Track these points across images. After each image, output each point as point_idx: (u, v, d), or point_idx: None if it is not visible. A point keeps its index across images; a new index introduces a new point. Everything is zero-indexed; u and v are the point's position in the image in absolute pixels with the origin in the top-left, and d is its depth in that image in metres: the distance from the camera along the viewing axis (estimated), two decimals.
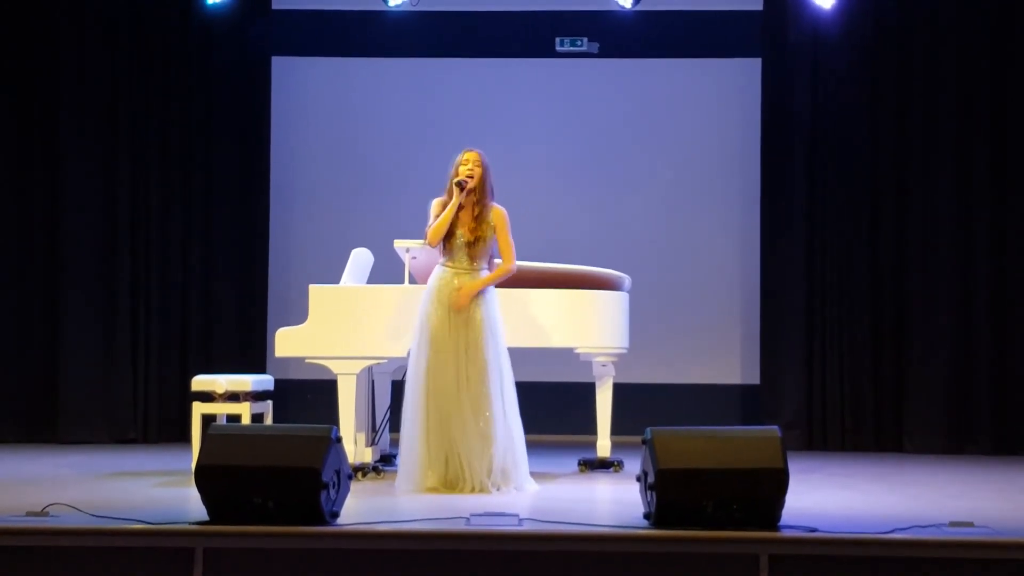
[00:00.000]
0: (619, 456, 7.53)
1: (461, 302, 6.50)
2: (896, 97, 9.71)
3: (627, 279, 7.70)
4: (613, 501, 6.37)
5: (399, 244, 7.37)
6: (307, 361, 7.27)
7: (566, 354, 7.47)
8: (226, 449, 4.99)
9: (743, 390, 10.16)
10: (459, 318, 6.50)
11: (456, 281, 6.55)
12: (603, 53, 10.39)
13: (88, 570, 4.66)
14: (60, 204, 9.81)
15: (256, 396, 7.40)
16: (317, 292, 7.26)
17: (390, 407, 7.84)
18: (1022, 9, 9.59)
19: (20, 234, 9.84)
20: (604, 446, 7.51)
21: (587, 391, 7.64)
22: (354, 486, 5.59)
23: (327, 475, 4.89)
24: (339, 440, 5.08)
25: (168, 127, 10.02)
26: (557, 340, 7.31)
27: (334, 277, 7.55)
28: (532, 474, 6.72)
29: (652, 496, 4.91)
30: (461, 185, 6.52)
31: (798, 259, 9.77)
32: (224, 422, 7.19)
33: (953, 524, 4.90)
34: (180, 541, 4.66)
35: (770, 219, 9.90)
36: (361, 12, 10.34)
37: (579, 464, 7.59)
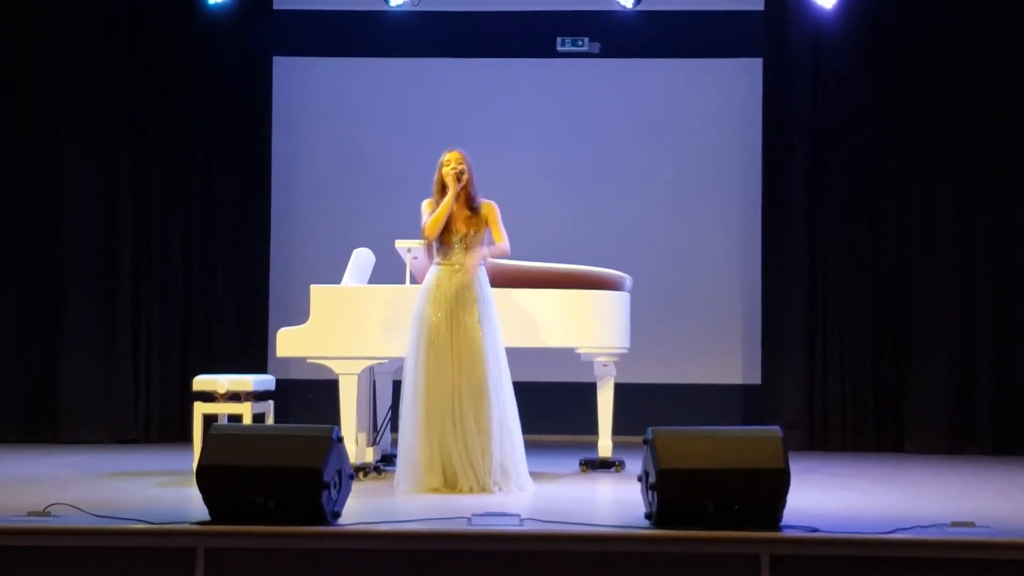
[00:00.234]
0: (620, 456, 7.53)
1: (469, 273, 6.52)
2: (896, 97, 9.72)
3: (628, 279, 7.70)
4: (614, 501, 6.37)
5: (400, 244, 7.37)
6: (308, 361, 7.28)
7: (567, 354, 7.47)
8: (227, 449, 4.99)
9: (744, 390, 10.17)
10: (456, 318, 6.51)
11: (453, 279, 6.56)
12: (604, 53, 10.39)
13: (89, 570, 4.66)
14: (61, 204, 9.81)
15: (257, 396, 7.40)
16: (318, 292, 7.27)
17: (391, 407, 7.84)
18: (1022, 9, 9.60)
19: (21, 234, 9.84)
20: (605, 446, 7.51)
21: (588, 391, 7.64)
22: (355, 486, 5.60)
23: (328, 475, 4.89)
24: (340, 440, 5.08)
25: (169, 127, 10.03)
26: (558, 340, 7.32)
27: (335, 277, 7.55)
28: (533, 474, 6.72)
29: (653, 496, 4.91)
30: (459, 174, 6.57)
31: (799, 259, 9.77)
32: (225, 422, 7.20)
33: (954, 524, 4.90)
34: (181, 541, 4.67)
35: (771, 219, 9.90)
36: (362, 12, 10.34)
37: (580, 464, 7.59)
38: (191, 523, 4.83)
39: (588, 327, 7.36)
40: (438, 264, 6.64)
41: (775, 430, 5.05)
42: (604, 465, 7.48)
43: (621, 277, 7.66)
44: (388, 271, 7.90)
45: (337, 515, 4.99)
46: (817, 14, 9.74)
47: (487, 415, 6.44)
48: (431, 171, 6.69)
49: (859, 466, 8.29)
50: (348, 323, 7.19)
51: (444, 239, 6.62)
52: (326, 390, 7.46)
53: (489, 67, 10.53)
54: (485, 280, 6.68)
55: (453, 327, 6.51)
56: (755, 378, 10.01)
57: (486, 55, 10.50)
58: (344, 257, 7.68)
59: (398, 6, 10.05)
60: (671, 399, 10.01)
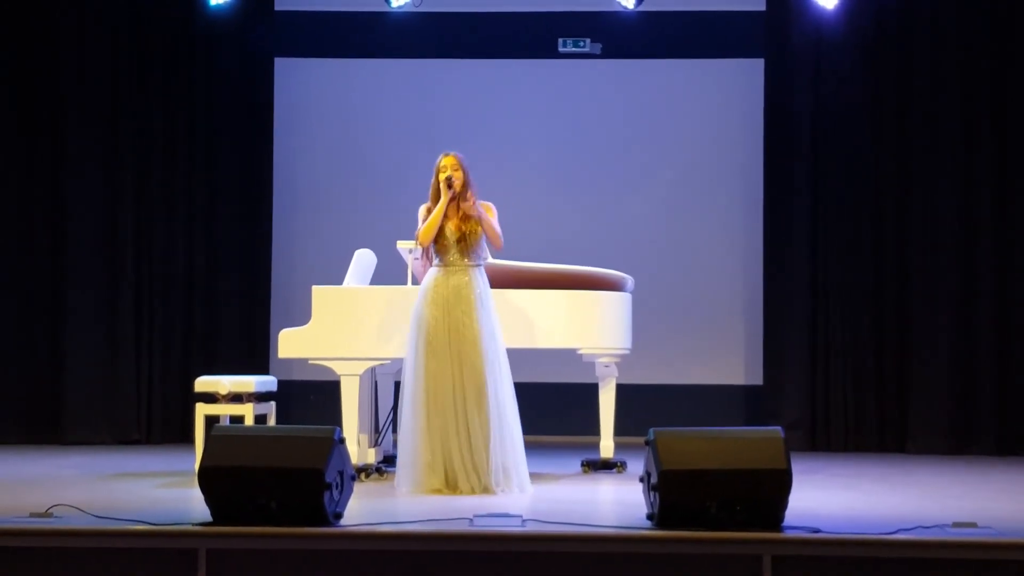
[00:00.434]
0: (622, 457, 7.53)
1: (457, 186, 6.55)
2: (897, 97, 9.72)
3: (630, 280, 7.71)
4: (616, 502, 6.37)
5: (402, 245, 7.37)
6: (310, 362, 7.28)
7: (569, 355, 7.47)
8: (229, 450, 4.99)
9: (746, 391, 10.16)
10: (454, 318, 6.51)
11: (451, 280, 6.56)
12: (605, 54, 10.39)
13: (91, 571, 4.66)
14: (62, 205, 9.81)
15: (259, 397, 7.41)
16: (320, 293, 7.27)
17: (393, 408, 7.84)
18: (1022, 9, 9.59)
19: (22, 235, 9.84)
20: (607, 447, 7.51)
21: (590, 392, 7.64)
22: (357, 487, 5.60)
23: (330, 476, 4.89)
24: (342, 441, 5.08)
25: (170, 128, 10.03)
26: (560, 341, 7.32)
27: (337, 278, 7.55)
28: (535, 475, 6.73)
29: (655, 497, 4.91)
30: (450, 182, 6.57)
31: (801, 259, 9.77)
32: (227, 423, 7.21)
33: (956, 525, 4.89)
34: (183, 542, 4.67)
35: (772, 219, 9.90)
36: (364, 13, 10.34)
37: (582, 465, 7.59)
38: (193, 524, 4.83)
39: (590, 328, 7.36)
40: (436, 266, 6.65)
41: (777, 431, 5.05)
42: (606, 466, 7.48)
43: (623, 278, 7.66)
44: (390, 272, 7.90)
45: (339, 516, 4.99)
46: (818, 14, 9.74)
47: (487, 416, 6.43)
48: (432, 173, 6.69)
49: (861, 466, 8.28)
50: (350, 324, 7.19)
51: (440, 242, 6.63)
52: (328, 391, 7.46)
53: (490, 68, 10.53)
54: (483, 280, 6.67)
55: (451, 328, 6.51)
56: (757, 378, 10.01)
57: (487, 56, 10.50)
58: (346, 258, 7.68)
59: (399, 7, 10.06)
60: (673, 400, 10.01)
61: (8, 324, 9.79)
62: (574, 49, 10.41)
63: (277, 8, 10.32)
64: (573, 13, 10.37)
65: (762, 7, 9.99)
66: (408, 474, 6.44)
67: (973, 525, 4.88)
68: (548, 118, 10.46)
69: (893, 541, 4.62)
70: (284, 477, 4.86)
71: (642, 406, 9.22)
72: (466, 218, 6.62)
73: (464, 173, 6.64)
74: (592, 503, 6.33)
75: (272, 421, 7.55)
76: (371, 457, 7.41)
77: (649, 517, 5.02)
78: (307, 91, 10.48)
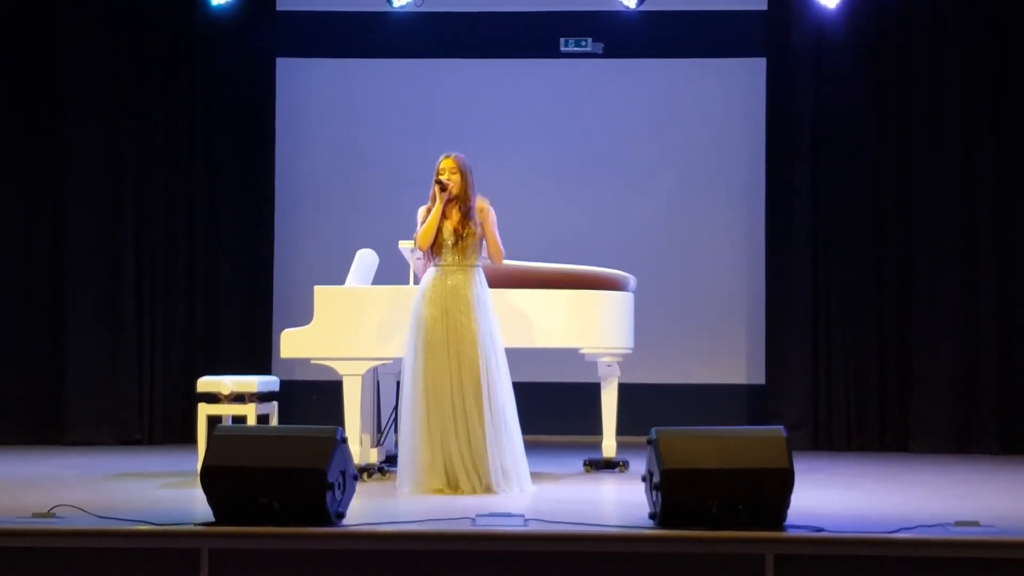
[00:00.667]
0: (624, 456, 7.53)
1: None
2: (898, 97, 9.71)
3: (632, 279, 7.70)
4: (618, 501, 6.37)
5: (404, 245, 7.37)
6: (312, 362, 7.28)
7: (571, 354, 7.46)
8: (231, 450, 4.99)
9: (748, 390, 10.16)
10: (452, 318, 6.51)
11: (448, 281, 6.56)
12: (607, 53, 10.39)
13: (93, 571, 4.66)
14: (63, 205, 9.81)
15: (261, 397, 7.41)
16: (322, 293, 7.27)
17: (395, 408, 7.84)
18: (1022, 9, 9.59)
19: (23, 235, 9.84)
20: (609, 446, 7.51)
21: (592, 391, 7.63)
22: (359, 487, 5.60)
23: (332, 476, 4.89)
24: (344, 441, 5.08)
25: (171, 128, 10.03)
26: (562, 340, 7.31)
27: (339, 278, 7.55)
28: (537, 474, 6.72)
29: (657, 496, 4.91)
30: (442, 185, 6.56)
31: (803, 258, 9.77)
32: (229, 423, 7.21)
33: (959, 524, 4.89)
34: (185, 542, 4.67)
35: (774, 218, 9.90)
36: (365, 13, 10.34)
37: (584, 464, 7.59)
38: (195, 524, 4.83)
39: (592, 327, 7.36)
40: (434, 265, 6.65)
41: (779, 430, 5.04)
42: (608, 465, 7.48)
43: (625, 277, 7.66)
44: (392, 272, 7.90)
45: (341, 516, 4.98)
46: (820, 14, 9.74)
47: (486, 416, 6.43)
48: (433, 173, 6.68)
49: (863, 466, 8.28)
50: (352, 324, 7.19)
51: (438, 242, 6.62)
52: (330, 391, 7.47)
53: (492, 68, 10.53)
54: (482, 281, 6.66)
55: (449, 328, 6.50)
56: (759, 378, 10.01)
57: (489, 56, 10.50)
58: (348, 258, 7.68)
59: (401, 7, 10.05)
60: (675, 399, 10.01)
61: (9, 324, 9.78)
62: (576, 49, 10.41)
63: (278, 8, 10.33)
64: (575, 13, 10.37)
65: (763, 6, 9.99)
66: (409, 474, 6.44)
67: (976, 524, 4.87)
68: (550, 118, 10.46)
69: (895, 540, 4.62)
70: (286, 477, 4.86)
71: (644, 406, 9.21)
72: (465, 219, 6.60)
73: (463, 176, 6.62)
74: (594, 503, 6.33)
75: (274, 421, 7.54)
76: (373, 457, 7.41)
77: (651, 516, 5.02)
78: (308, 91, 10.48)
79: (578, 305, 7.33)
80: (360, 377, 7.16)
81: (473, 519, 4.99)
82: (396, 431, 7.45)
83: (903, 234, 9.65)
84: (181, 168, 10.04)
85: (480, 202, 6.68)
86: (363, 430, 7.28)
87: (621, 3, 10.02)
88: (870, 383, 9.63)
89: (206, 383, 7.38)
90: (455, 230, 6.59)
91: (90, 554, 4.66)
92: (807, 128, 9.81)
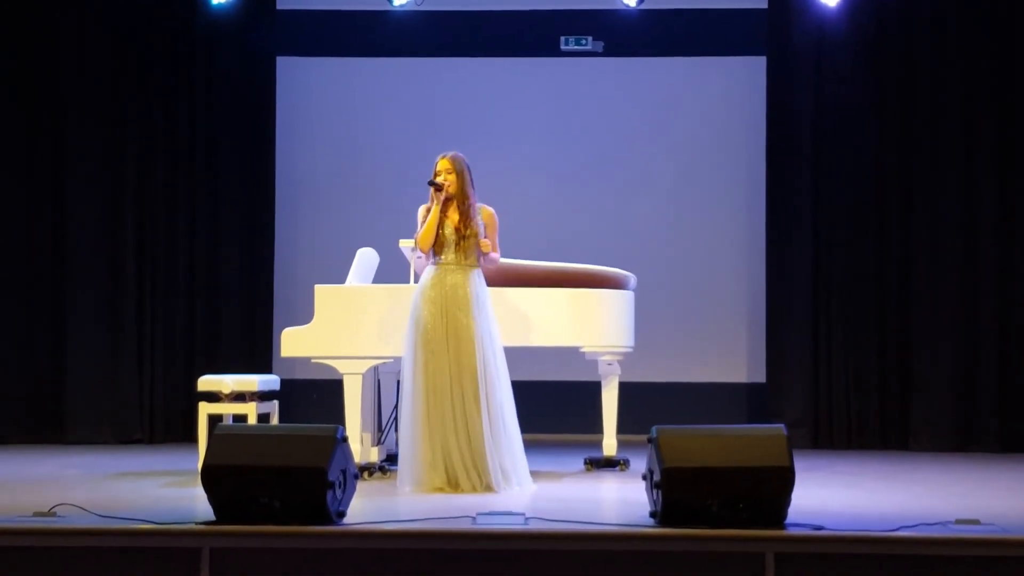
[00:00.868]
0: (625, 455, 7.53)
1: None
2: (899, 96, 9.71)
3: (633, 278, 7.70)
4: (619, 500, 6.37)
5: (404, 244, 7.37)
6: (313, 361, 7.28)
7: (572, 353, 7.46)
8: (232, 449, 4.99)
9: (749, 389, 10.16)
10: (451, 317, 6.51)
11: (448, 279, 6.56)
12: (608, 52, 10.39)
13: (94, 570, 4.66)
14: (62, 205, 9.81)
15: (262, 396, 7.41)
16: (323, 292, 7.27)
17: (396, 406, 7.84)
18: (1022, 9, 9.59)
19: (24, 235, 9.84)
20: (610, 445, 7.51)
21: (593, 390, 7.63)
22: (360, 486, 5.59)
23: (333, 475, 4.89)
24: (345, 440, 5.08)
25: (172, 128, 10.03)
26: (563, 339, 7.31)
27: (339, 277, 7.55)
28: (538, 473, 6.73)
29: (658, 495, 4.91)
30: (437, 186, 6.57)
31: (803, 257, 9.77)
32: (230, 422, 7.21)
33: (959, 522, 4.90)
34: (186, 541, 4.67)
35: (775, 217, 9.90)
36: (365, 12, 10.34)
37: (585, 463, 7.60)
38: (196, 523, 4.83)
39: (593, 326, 7.36)
40: (433, 264, 6.65)
41: (780, 428, 5.05)
42: (609, 464, 7.48)
43: (626, 276, 7.66)
44: (392, 271, 7.90)
45: (342, 515, 4.99)
46: (821, 12, 9.74)
47: (483, 415, 6.43)
48: (433, 172, 6.68)
49: (864, 464, 8.28)
50: (352, 323, 7.19)
51: (438, 240, 6.61)
52: (331, 390, 7.47)
53: (493, 66, 10.53)
54: (480, 280, 6.66)
55: (448, 327, 6.50)
56: (759, 376, 10.01)
57: (490, 54, 10.50)
58: (348, 257, 7.68)
59: (401, 6, 10.05)
60: (675, 398, 10.01)
61: (9, 324, 9.79)
62: (576, 47, 10.40)
63: (279, 7, 10.33)
64: (575, 11, 10.37)
65: (764, 5, 9.99)
66: (410, 473, 6.44)
67: (976, 522, 4.88)
68: (550, 116, 10.46)
69: (896, 538, 4.62)
70: (287, 476, 4.86)
71: (645, 404, 9.21)
72: (466, 218, 6.60)
73: (459, 176, 6.61)
74: (595, 501, 6.33)
75: (275, 420, 7.54)
76: (374, 456, 7.41)
77: (652, 515, 5.02)
78: (309, 90, 10.48)
79: (579, 303, 7.33)
80: (361, 376, 7.16)
81: (474, 518, 5.00)
82: (396, 430, 7.46)
83: (903, 234, 9.66)
84: (181, 168, 10.04)
85: (486, 211, 6.68)
86: (364, 429, 7.28)
87: (621, 1, 10.02)
88: (870, 382, 9.63)
89: (207, 382, 7.38)
90: (457, 229, 6.59)
91: (91, 553, 4.66)
92: (808, 127, 9.81)
